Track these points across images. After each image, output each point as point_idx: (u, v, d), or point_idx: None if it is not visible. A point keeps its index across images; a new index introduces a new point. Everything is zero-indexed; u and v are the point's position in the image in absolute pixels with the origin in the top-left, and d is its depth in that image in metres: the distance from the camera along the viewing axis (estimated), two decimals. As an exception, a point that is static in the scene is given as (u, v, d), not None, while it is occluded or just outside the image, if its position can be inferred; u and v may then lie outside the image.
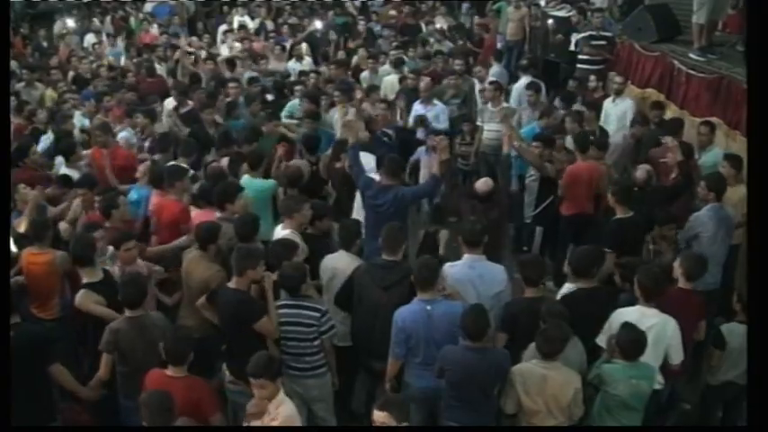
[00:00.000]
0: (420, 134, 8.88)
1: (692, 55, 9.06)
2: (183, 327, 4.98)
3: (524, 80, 10.45)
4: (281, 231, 6.11)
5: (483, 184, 6.69)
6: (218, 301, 5.23)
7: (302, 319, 5.10)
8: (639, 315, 5.01)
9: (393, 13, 16.13)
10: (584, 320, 4.94)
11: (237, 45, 13.11)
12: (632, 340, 4.71)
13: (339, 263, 5.65)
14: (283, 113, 9.47)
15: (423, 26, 14.87)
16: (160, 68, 11.82)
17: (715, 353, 5.34)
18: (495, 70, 11.64)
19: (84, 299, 5.29)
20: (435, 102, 9.58)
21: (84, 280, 5.37)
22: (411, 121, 9.31)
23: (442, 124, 9.37)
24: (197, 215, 6.48)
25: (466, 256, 5.47)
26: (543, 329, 4.63)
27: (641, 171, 7.10)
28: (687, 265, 5.35)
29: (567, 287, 5.54)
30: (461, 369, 4.63)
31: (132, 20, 15.66)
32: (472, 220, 5.72)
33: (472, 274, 5.32)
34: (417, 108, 9.48)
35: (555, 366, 4.60)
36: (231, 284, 5.14)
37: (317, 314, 5.10)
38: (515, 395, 4.63)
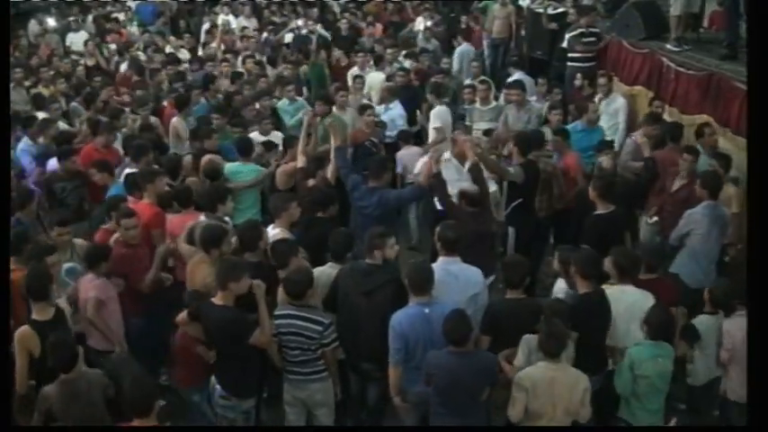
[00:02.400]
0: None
1: (668, 46, 9.22)
2: (144, 376, 4.58)
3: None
4: (271, 231, 6.07)
5: (470, 187, 6.44)
6: (202, 317, 5.03)
7: (304, 331, 5.00)
8: (620, 292, 5.13)
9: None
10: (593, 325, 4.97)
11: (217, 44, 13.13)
12: (662, 320, 4.81)
13: (324, 276, 5.51)
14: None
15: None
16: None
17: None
18: (462, 48, 11.86)
19: (20, 338, 4.89)
20: (392, 104, 9.52)
21: (33, 315, 4.99)
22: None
23: (399, 128, 9.25)
24: (176, 219, 6.41)
25: (441, 259, 5.43)
26: (547, 328, 4.56)
27: (606, 161, 7.12)
28: (647, 258, 5.47)
29: (560, 284, 5.58)
30: (447, 374, 4.58)
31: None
32: (449, 224, 5.63)
33: (447, 276, 5.25)
34: (377, 110, 9.38)
35: (562, 368, 4.55)
36: (217, 300, 4.94)
37: (320, 328, 4.99)
38: (523, 401, 4.54)
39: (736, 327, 5.19)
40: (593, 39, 10.80)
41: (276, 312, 5.09)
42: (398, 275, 5.47)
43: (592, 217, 6.41)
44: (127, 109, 9.34)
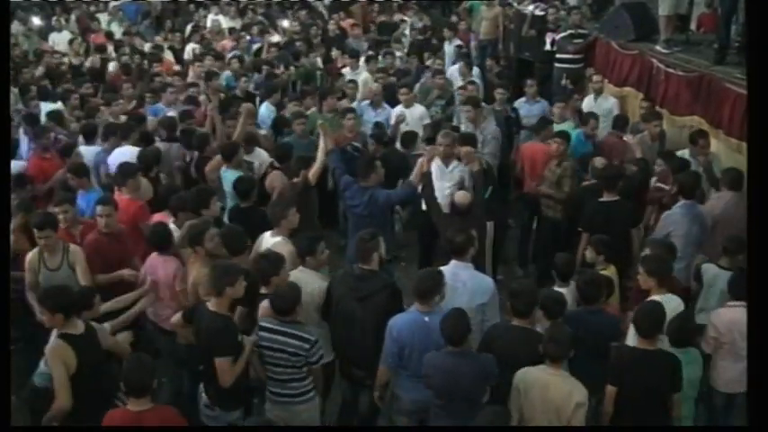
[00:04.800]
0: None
1: (658, 47, 9.23)
2: (142, 354, 4.44)
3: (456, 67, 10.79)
4: (270, 239, 5.94)
5: (461, 196, 6.31)
6: (194, 320, 4.90)
7: (288, 347, 4.76)
8: (663, 302, 4.97)
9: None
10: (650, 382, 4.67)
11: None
12: (681, 326, 4.74)
13: (299, 280, 5.33)
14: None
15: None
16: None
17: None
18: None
19: (54, 352, 4.61)
20: (385, 105, 9.44)
21: (63, 329, 4.70)
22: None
23: (390, 128, 9.08)
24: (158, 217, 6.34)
25: (452, 263, 5.34)
26: (550, 332, 4.52)
27: (598, 162, 7.12)
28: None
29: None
30: (444, 374, 4.49)
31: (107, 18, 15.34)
32: (458, 228, 5.56)
33: (455, 282, 5.16)
34: (368, 113, 9.32)
35: (561, 374, 4.45)
36: (211, 306, 4.76)
37: (307, 345, 4.74)
38: (519, 401, 4.48)
39: (722, 317, 5.19)
40: (581, 39, 10.83)
41: (260, 324, 4.90)
42: (393, 281, 5.40)
43: (595, 203, 6.46)
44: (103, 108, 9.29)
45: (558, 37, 11.03)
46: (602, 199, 6.59)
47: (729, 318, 5.14)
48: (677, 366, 4.61)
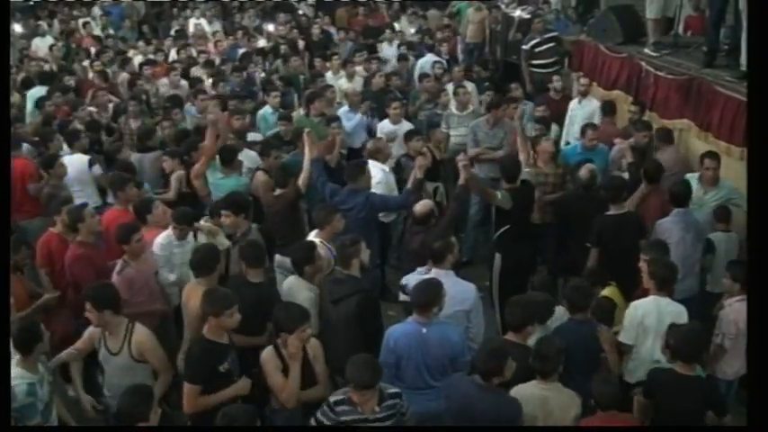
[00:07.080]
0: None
1: (646, 50, 9.21)
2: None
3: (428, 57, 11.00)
4: (313, 238, 5.96)
5: (421, 206, 6.28)
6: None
7: None
8: (656, 305, 5.00)
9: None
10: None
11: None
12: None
13: (291, 289, 5.41)
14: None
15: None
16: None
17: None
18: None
19: None
20: (360, 105, 9.36)
21: None
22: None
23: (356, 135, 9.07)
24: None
25: (434, 271, 5.32)
26: (537, 348, 4.48)
27: (584, 170, 7.04)
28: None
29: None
30: (461, 398, 4.37)
31: (93, 22, 15.20)
32: (437, 233, 5.61)
33: None
34: (348, 117, 9.20)
35: (555, 387, 4.42)
36: (205, 332, 4.67)
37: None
38: None
39: (741, 311, 5.11)
40: (551, 44, 10.82)
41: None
42: (367, 287, 5.37)
43: (603, 217, 6.37)
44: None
45: (524, 47, 11.00)
46: (609, 212, 6.38)
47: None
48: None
